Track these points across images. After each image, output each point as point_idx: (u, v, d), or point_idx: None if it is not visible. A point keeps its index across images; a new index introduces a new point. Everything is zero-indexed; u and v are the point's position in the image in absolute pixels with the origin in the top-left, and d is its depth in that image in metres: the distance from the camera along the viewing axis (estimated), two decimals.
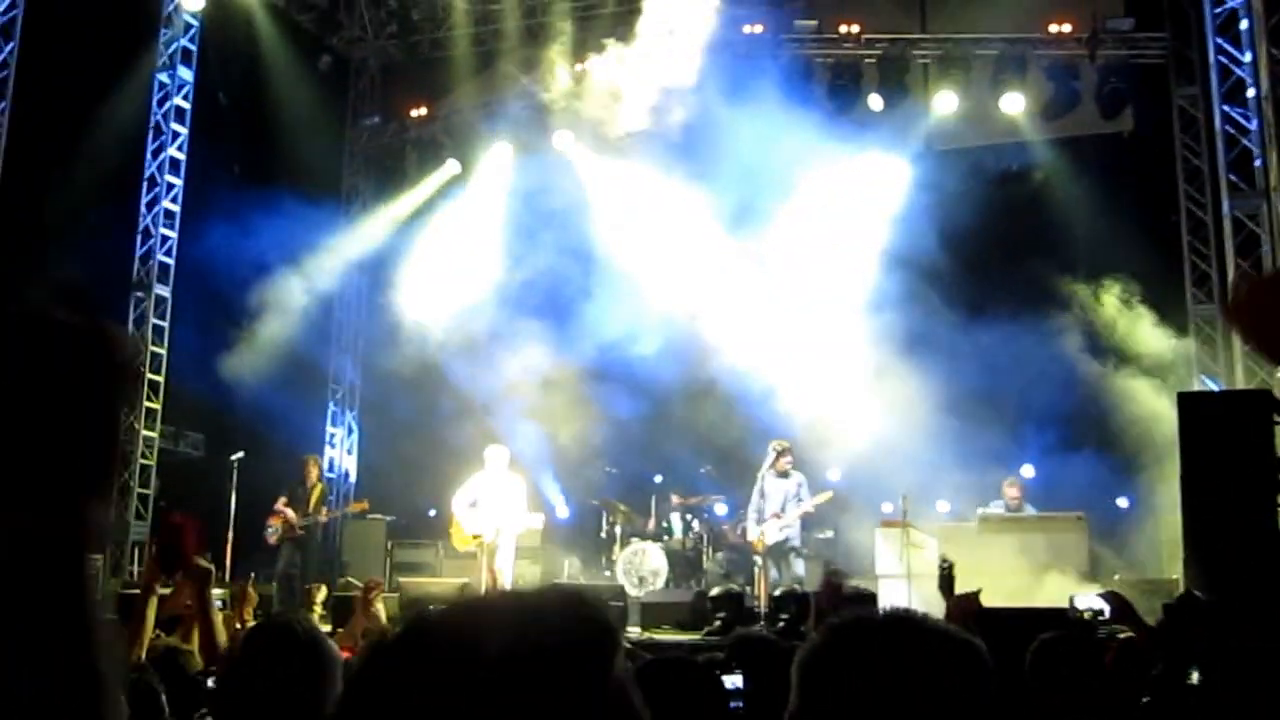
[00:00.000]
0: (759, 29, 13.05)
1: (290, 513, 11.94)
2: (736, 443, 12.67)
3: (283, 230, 12.45)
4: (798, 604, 10.01)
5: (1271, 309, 1.76)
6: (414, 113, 13.95)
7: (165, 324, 13.00)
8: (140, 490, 12.65)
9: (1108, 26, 12.83)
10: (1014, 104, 13.00)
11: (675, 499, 12.77)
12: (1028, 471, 12.19)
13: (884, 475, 11.98)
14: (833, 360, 12.55)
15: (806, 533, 11.82)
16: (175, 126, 12.89)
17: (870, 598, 10.01)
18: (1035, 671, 3.79)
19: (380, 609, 5.16)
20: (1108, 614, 6.84)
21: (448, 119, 13.40)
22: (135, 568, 12.15)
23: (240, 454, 11.99)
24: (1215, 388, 12.25)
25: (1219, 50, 11.21)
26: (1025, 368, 12.16)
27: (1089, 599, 8.82)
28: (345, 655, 3.89)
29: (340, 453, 15.13)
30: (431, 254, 13.86)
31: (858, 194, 12.86)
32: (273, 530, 11.89)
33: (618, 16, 12.61)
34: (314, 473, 12.29)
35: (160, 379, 12.93)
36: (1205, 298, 12.79)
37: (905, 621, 1.41)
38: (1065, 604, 9.13)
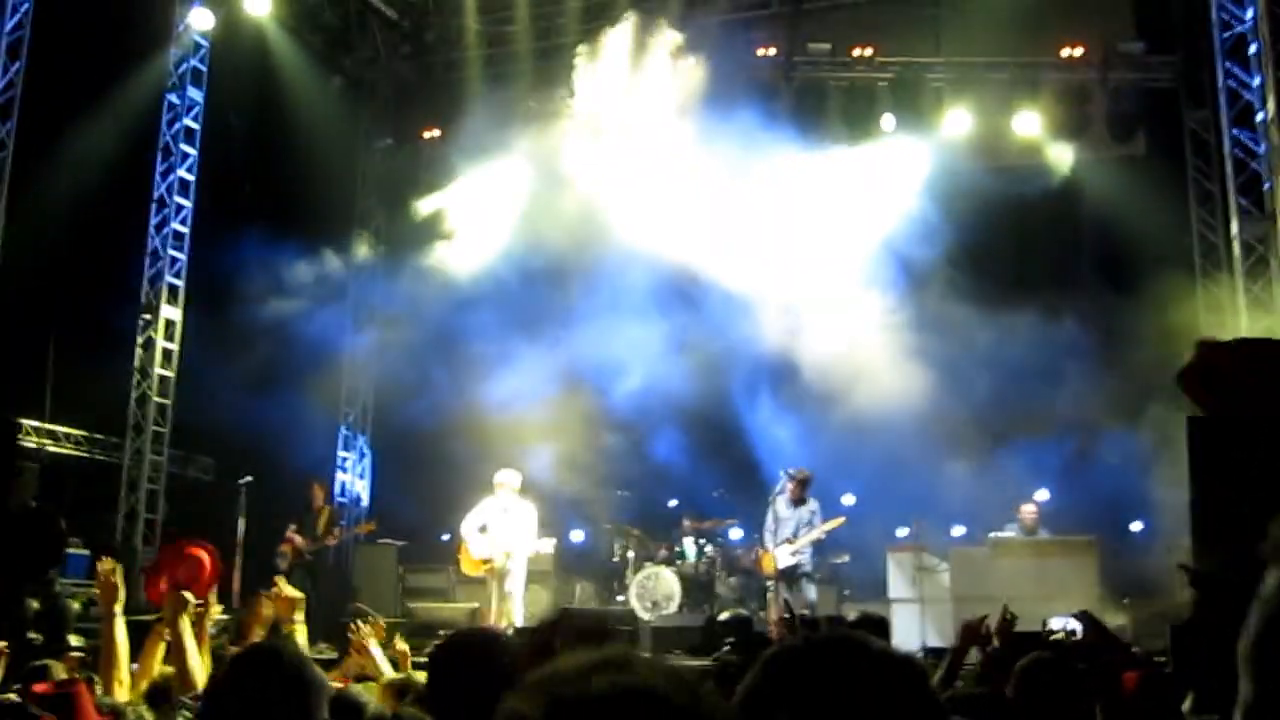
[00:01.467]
0: (773, 51, 13.06)
1: (299, 539, 11.89)
2: (750, 466, 12.64)
3: (294, 253, 12.40)
4: (809, 630, 9.95)
5: (1219, 374, 1.78)
6: (427, 134, 13.93)
7: (174, 346, 12.90)
8: (147, 515, 12.53)
9: (1119, 50, 12.87)
10: (1026, 126, 13.03)
11: (688, 523, 12.71)
12: (1042, 495, 12.17)
13: (898, 499, 11.97)
14: (847, 385, 12.53)
15: (820, 557, 11.77)
16: (185, 148, 12.82)
17: (879, 621, 9.98)
18: (1020, 696, 3.80)
19: (375, 652, 5.04)
20: (1079, 634, 6.82)
21: (461, 141, 13.37)
22: (141, 595, 11.99)
23: (249, 478, 11.90)
24: None
25: (1228, 74, 11.26)
26: (1041, 392, 12.18)
27: (1063, 620, 8.83)
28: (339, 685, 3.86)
29: (352, 477, 15.03)
30: (445, 275, 13.78)
31: (872, 217, 12.84)
32: (282, 557, 11.83)
33: (629, 39, 12.59)
34: (319, 497, 12.23)
35: (168, 402, 12.83)
36: (1216, 323, 12.79)
37: (842, 643, 1.35)
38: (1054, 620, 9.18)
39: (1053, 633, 8.79)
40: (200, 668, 4.49)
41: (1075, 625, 7.73)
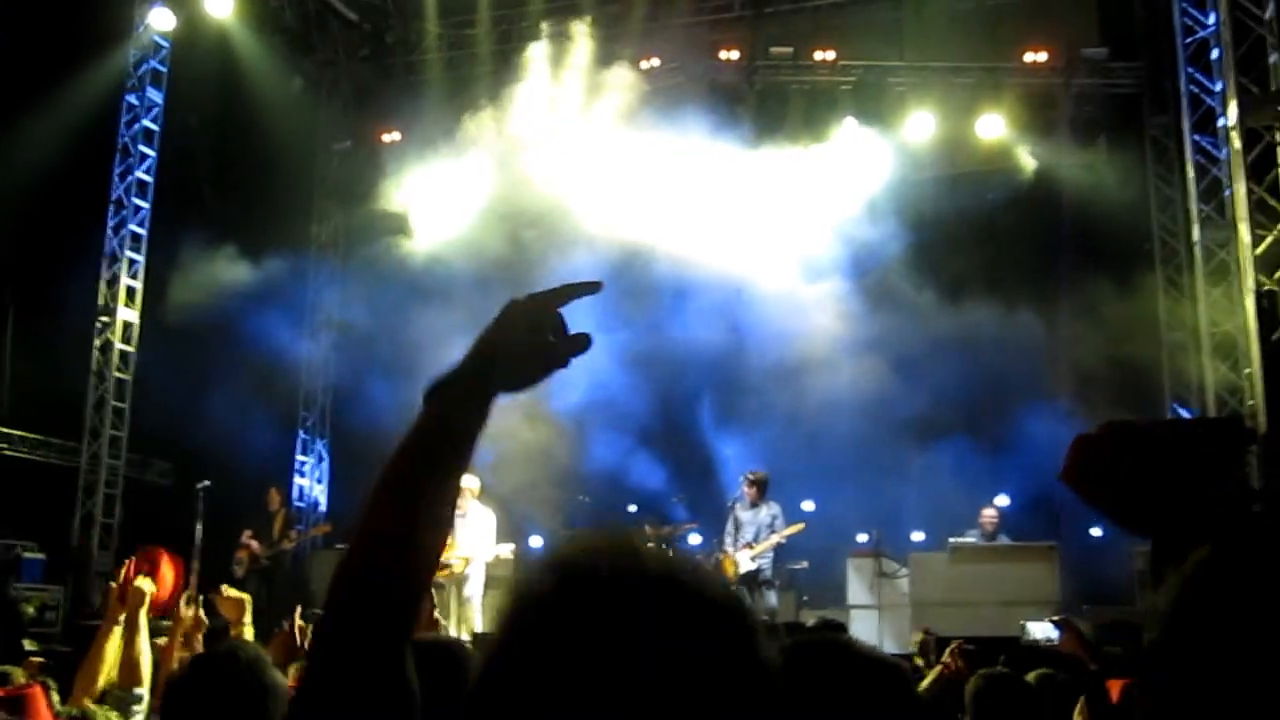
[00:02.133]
0: (735, 54, 13.01)
1: (255, 544, 11.83)
2: (709, 471, 12.61)
3: (253, 255, 12.32)
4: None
5: (1100, 466, 1.74)
6: (386, 136, 13.85)
7: (132, 349, 12.80)
8: (104, 520, 12.44)
9: (1083, 55, 12.85)
10: (989, 131, 13.01)
11: (648, 529, 12.64)
12: (1002, 500, 12.15)
13: (858, 504, 11.95)
14: (806, 388, 12.50)
15: (781, 563, 11.72)
16: (143, 149, 12.72)
17: (839, 628, 9.94)
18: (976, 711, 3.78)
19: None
20: (1057, 640, 6.79)
21: (419, 143, 13.33)
22: (98, 599, 11.95)
23: (206, 483, 11.81)
24: (1187, 416, 12.26)
25: (1190, 80, 11.24)
26: (1002, 395, 12.17)
27: (1043, 627, 8.80)
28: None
29: (310, 480, 14.95)
30: (403, 277, 13.74)
31: (832, 220, 12.81)
32: (239, 564, 11.77)
33: (592, 41, 12.54)
34: (275, 501, 12.17)
35: (125, 406, 12.74)
36: (1177, 326, 12.80)
37: (830, 645, 1.43)
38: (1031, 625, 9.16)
39: (1036, 642, 8.76)
40: (147, 664, 4.44)
41: (1054, 632, 7.70)
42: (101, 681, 4.73)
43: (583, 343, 1.43)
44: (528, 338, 1.42)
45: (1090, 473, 1.79)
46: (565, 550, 1.06)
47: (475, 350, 1.42)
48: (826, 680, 1.35)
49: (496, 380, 1.42)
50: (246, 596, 5.44)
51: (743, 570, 11.37)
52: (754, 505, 11.50)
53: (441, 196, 13.64)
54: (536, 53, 12.71)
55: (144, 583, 4.48)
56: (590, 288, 1.45)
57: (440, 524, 1.38)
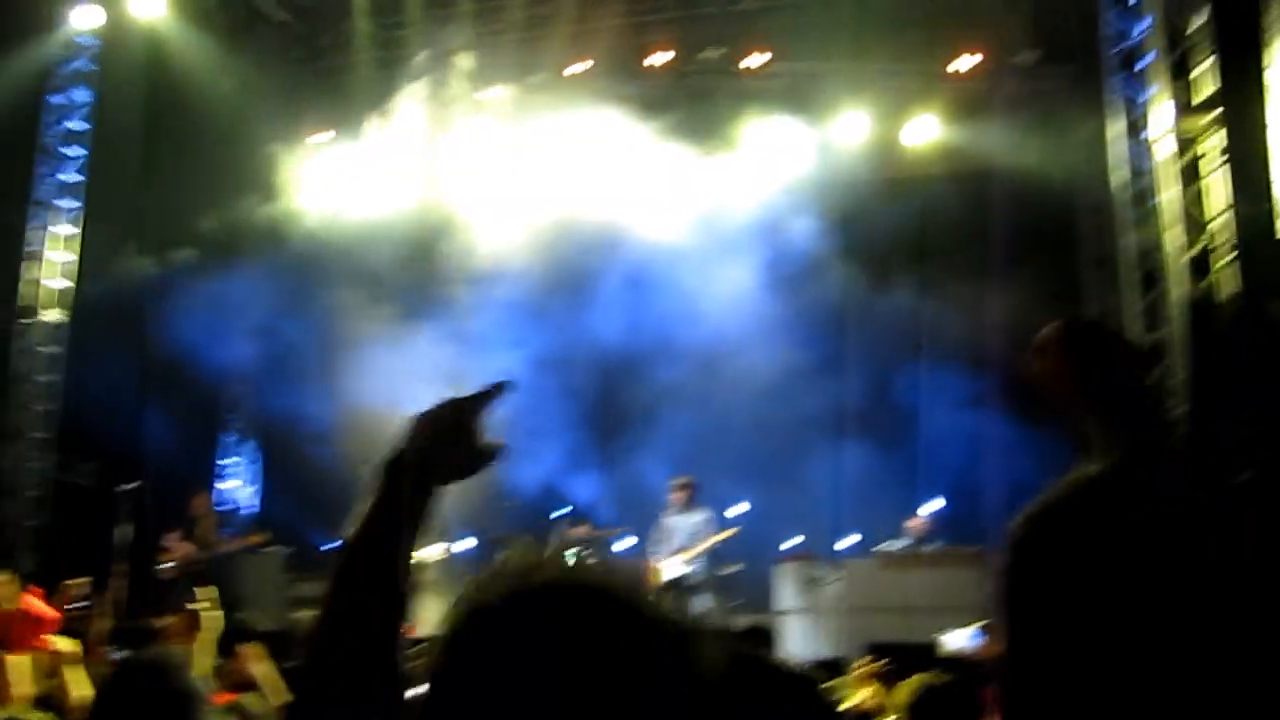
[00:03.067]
0: (666, 56, 12.97)
1: (187, 546, 11.72)
2: (637, 476, 12.59)
3: (178, 252, 12.22)
4: None
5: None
6: (316, 137, 13.77)
7: (61, 350, 12.67)
8: (30, 524, 12.31)
9: (1014, 61, 12.86)
10: (921, 134, 13.02)
11: (579, 531, 12.59)
12: (936, 504, 12.16)
13: (789, 509, 11.95)
14: (736, 389, 12.51)
15: (710, 568, 11.68)
16: (68, 150, 12.58)
17: (764, 634, 9.93)
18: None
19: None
20: (980, 648, 6.77)
21: (349, 142, 13.29)
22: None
23: (132, 484, 11.71)
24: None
25: (1119, 87, 11.29)
26: (933, 400, 12.20)
27: (958, 636, 8.78)
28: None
29: (238, 483, 14.85)
30: (331, 276, 13.70)
31: (760, 224, 12.81)
32: (170, 566, 11.68)
33: (522, 42, 12.50)
34: (203, 505, 12.08)
35: (53, 407, 12.61)
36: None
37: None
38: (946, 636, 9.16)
39: (953, 653, 8.72)
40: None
41: (968, 645, 7.67)
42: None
43: (499, 450, 1.58)
44: (453, 443, 1.55)
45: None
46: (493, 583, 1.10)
47: (411, 444, 1.54)
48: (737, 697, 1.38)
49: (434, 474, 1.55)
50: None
51: (667, 578, 11.34)
52: (683, 511, 11.47)
53: (368, 194, 13.59)
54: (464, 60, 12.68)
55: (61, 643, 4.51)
56: (502, 389, 1.58)
57: (406, 585, 1.48)
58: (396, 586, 1.43)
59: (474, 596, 1.09)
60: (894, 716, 4.03)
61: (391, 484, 1.52)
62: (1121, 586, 1.09)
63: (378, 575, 1.43)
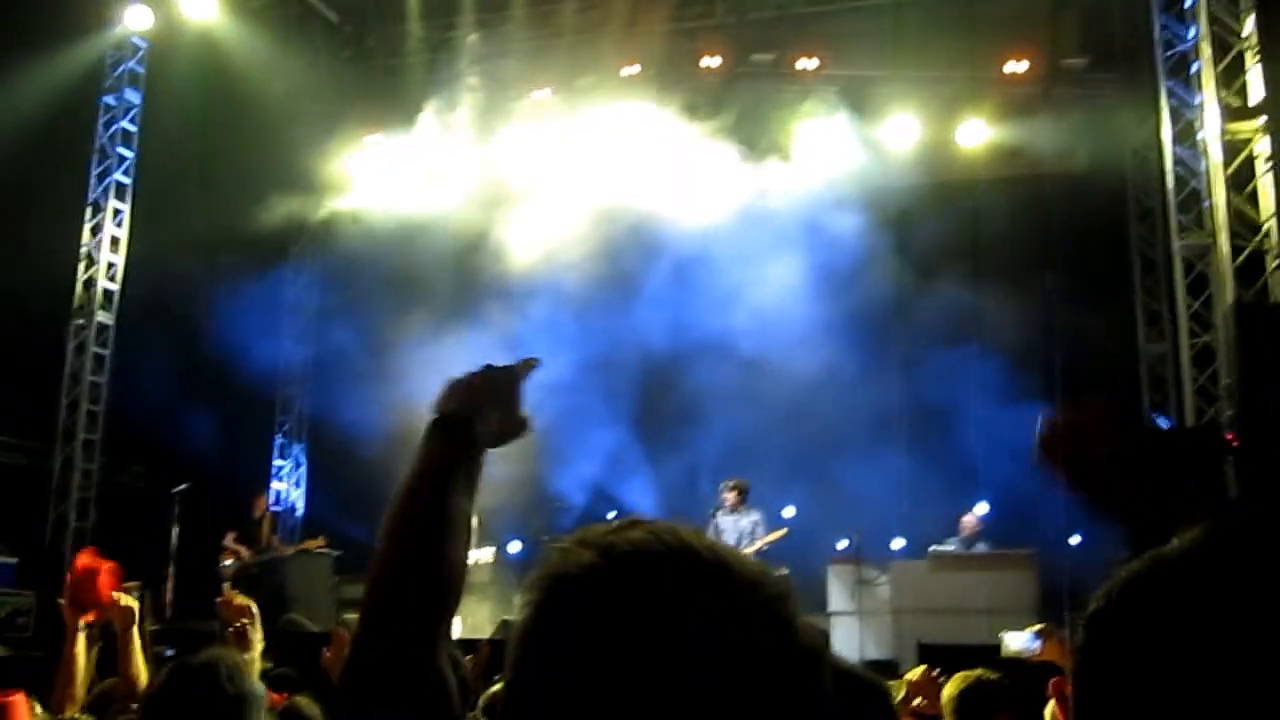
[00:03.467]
0: (717, 61, 13.03)
1: (243, 549, 11.75)
2: (688, 477, 12.61)
3: (232, 257, 12.24)
4: None
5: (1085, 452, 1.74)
6: (368, 138, 13.81)
7: (107, 352, 12.66)
8: (78, 524, 12.29)
9: (1063, 66, 12.93)
10: (971, 138, 13.09)
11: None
12: (982, 508, 12.19)
13: (839, 511, 11.97)
14: (788, 394, 12.53)
15: None
16: (122, 150, 12.59)
17: (821, 635, 9.94)
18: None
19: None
20: (1038, 651, 6.75)
21: (402, 144, 13.33)
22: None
23: (184, 486, 11.70)
24: (1165, 425, 12.35)
25: (1170, 93, 11.33)
26: (981, 400, 12.24)
27: (1020, 637, 8.78)
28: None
29: (287, 485, 14.84)
30: (384, 280, 13.72)
31: (808, 225, 12.84)
32: (229, 565, 11.71)
33: (572, 46, 12.56)
34: (261, 506, 12.11)
35: (99, 409, 12.60)
36: (1157, 337, 12.90)
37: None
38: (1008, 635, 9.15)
39: (1015, 654, 8.73)
40: (145, 676, 4.41)
41: (1034, 645, 7.66)
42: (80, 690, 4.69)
43: (530, 423, 1.60)
44: (493, 408, 1.55)
45: (1076, 458, 1.79)
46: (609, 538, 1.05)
47: (455, 401, 1.53)
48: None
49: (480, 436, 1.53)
50: (251, 601, 5.36)
51: None
52: (734, 512, 11.52)
53: (417, 194, 13.63)
54: (519, 55, 12.72)
55: (126, 599, 4.42)
56: (533, 364, 1.61)
57: (462, 537, 1.44)
58: (446, 551, 1.38)
59: (558, 562, 1.01)
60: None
61: (443, 442, 1.49)
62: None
63: (429, 536, 1.38)
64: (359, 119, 13.54)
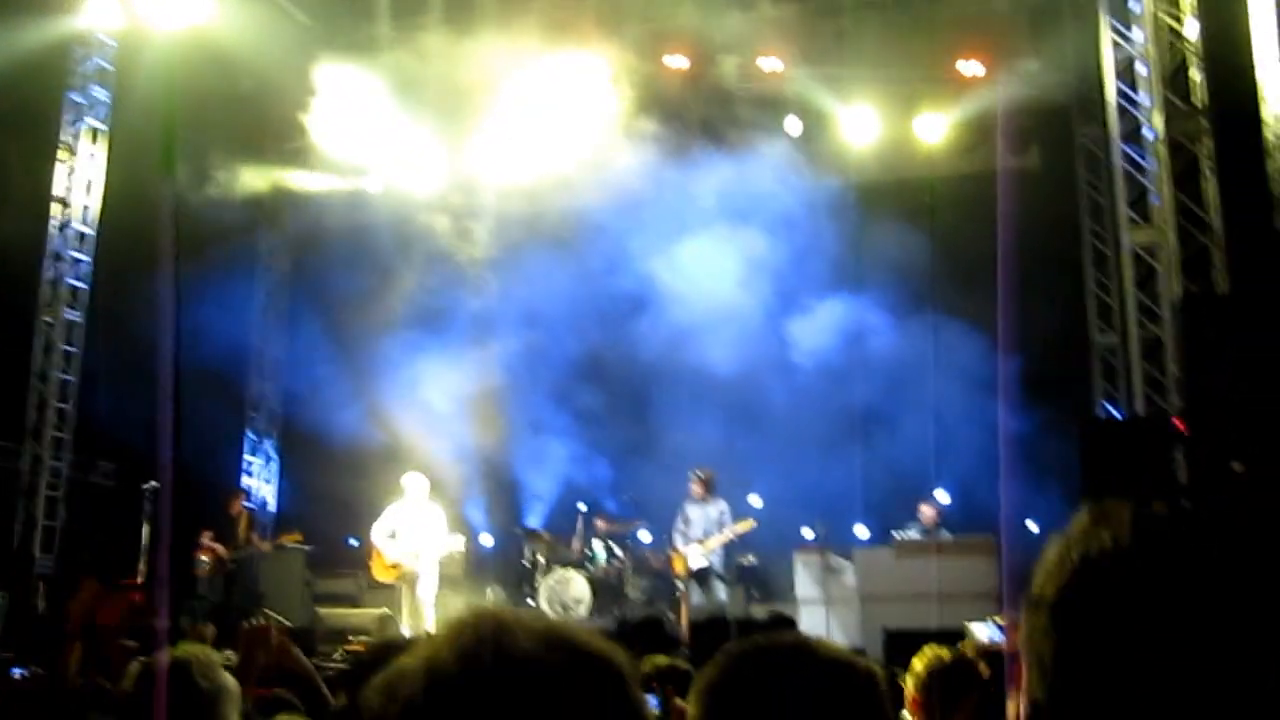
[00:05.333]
0: (682, 60, 13.28)
1: (220, 547, 11.78)
2: (656, 468, 12.80)
3: (199, 252, 12.22)
4: (719, 630, 10.11)
5: None
6: (340, 138, 13.83)
7: (76, 349, 12.60)
8: (46, 523, 12.22)
9: (1015, 67, 13.33)
10: (928, 132, 13.45)
11: (602, 524, 12.79)
12: (942, 496, 12.51)
13: (803, 500, 12.23)
14: (751, 386, 12.79)
15: (729, 558, 11.98)
16: (89, 147, 12.53)
17: (789, 622, 10.19)
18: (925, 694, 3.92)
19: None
20: (1001, 642, 6.96)
21: (370, 143, 13.39)
22: (41, 603, 11.75)
23: (154, 483, 11.67)
24: (1117, 415, 12.76)
25: (1118, 93, 11.73)
26: (936, 389, 12.55)
27: (985, 628, 9.05)
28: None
29: (259, 481, 14.83)
30: (354, 276, 13.78)
31: (776, 223, 13.12)
32: (201, 565, 11.72)
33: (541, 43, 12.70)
34: (237, 504, 12.14)
35: (68, 407, 12.53)
36: (1107, 328, 13.33)
37: (803, 647, 1.45)
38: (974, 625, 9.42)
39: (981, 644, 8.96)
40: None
41: (997, 636, 7.89)
42: None
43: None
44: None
45: None
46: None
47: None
48: (794, 689, 1.37)
49: None
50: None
51: (693, 566, 11.62)
52: (702, 501, 11.75)
53: (391, 196, 13.71)
54: (485, 56, 12.82)
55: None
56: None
57: None
58: None
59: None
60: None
61: None
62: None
63: None
64: (330, 117, 13.56)
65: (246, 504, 13.23)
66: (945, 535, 11.91)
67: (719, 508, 11.74)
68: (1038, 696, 1.09)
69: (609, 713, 1.03)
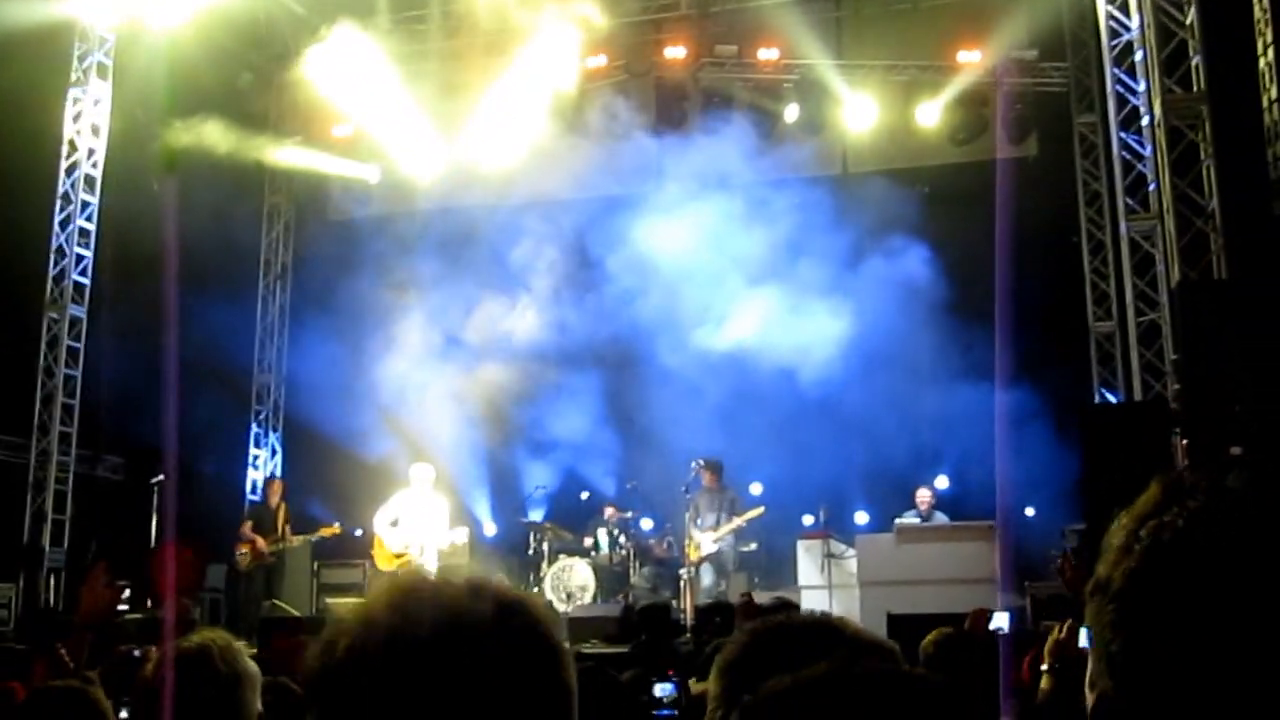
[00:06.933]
0: (681, 52, 13.32)
1: (260, 540, 11.91)
2: (658, 457, 12.89)
3: (202, 247, 12.28)
4: (724, 613, 10.22)
5: None
6: (337, 132, 13.91)
7: (80, 345, 12.66)
8: (55, 516, 12.32)
9: (1013, 56, 13.35)
10: (928, 119, 13.48)
11: (610, 511, 12.89)
12: (942, 482, 12.61)
13: (804, 487, 12.33)
14: (751, 374, 12.86)
15: (735, 546, 12.12)
16: (90, 142, 12.57)
17: (793, 606, 10.30)
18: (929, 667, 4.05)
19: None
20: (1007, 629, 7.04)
21: (372, 137, 13.44)
22: (50, 596, 11.88)
23: (160, 477, 11.77)
24: (1114, 401, 12.84)
25: (1116, 80, 11.75)
26: (936, 376, 12.63)
27: (1001, 617, 9.15)
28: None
29: (263, 474, 14.92)
30: (356, 270, 13.86)
31: (776, 214, 13.17)
32: (242, 556, 11.87)
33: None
34: (275, 496, 12.29)
35: (75, 402, 12.61)
36: (1104, 315, 13.40)
37: (823, 624, 1.49)
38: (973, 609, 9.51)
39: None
40: None
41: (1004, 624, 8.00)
42: None
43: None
44: None
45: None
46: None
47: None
48: (822, 656, 1.35)
49: None
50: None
51: (705, 553, 11.78)
52: (710, 490, 11.87)
53: (392, 189, 13.77)
54: (483, 49, 12.88)
55: None
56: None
57: None
58: None
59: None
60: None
61: None
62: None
63: None
64: (328, 111, 13.60)
65: (252, 496, 13.35)
66: (941, 518, 12.02)
67: (728, 496, 11.90)
68: (1106, 689, 1.02)
69: (530, 652, 1.12)
